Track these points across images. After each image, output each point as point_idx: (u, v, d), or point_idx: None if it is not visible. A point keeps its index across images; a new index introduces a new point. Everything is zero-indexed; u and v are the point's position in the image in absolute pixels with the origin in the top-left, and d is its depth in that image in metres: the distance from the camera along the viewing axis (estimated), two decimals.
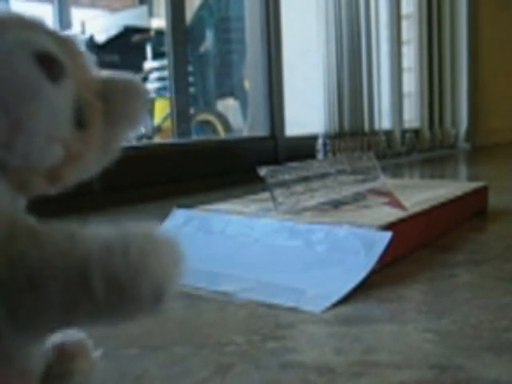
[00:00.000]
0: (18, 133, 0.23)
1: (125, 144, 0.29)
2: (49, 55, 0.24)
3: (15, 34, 0.24)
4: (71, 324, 0.24)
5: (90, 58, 0.28)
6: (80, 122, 0.26)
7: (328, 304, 0.47)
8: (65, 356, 0.29)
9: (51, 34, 0.26)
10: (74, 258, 0.22)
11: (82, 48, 0.28)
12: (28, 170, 0.24)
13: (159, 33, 2.58)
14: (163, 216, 0.74)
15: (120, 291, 0.22)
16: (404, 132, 2.22)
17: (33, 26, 0.26)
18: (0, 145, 0.23)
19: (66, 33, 0.28)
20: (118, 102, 0.28)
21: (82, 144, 0.26)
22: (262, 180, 0.69)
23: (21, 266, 0.22)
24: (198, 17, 2.78)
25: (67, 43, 0.27)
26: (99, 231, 0.23)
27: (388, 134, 2.09)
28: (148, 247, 0.23)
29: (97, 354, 0.30)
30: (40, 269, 0.22)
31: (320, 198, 0.75)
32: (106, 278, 0.22)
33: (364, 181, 0.87)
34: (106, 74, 0.29)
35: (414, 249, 0.65)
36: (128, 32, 2.68)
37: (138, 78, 0.30)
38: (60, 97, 0.24)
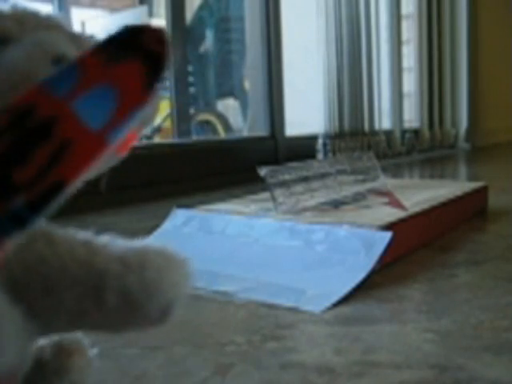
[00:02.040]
0: None
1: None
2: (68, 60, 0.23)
3: (35, 36, 0.23)
4: (77, 330, 0.24)
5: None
6: None
7: (328, 304, 0.47)
8: (62, 352, 0.29)
9: (69, 35, 0.25)
10: (92, 271, 0.22)
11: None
12: None
13: None
14: (163, 216, 0.74)
15: (132, 306, 0.22)
16: (404, 132, 2.21)
17: (51, 26, 0.25)
18: None
19: (85, 34, 0.26)
20: None
21: None
22: (262, 180, 0.69)
23: (38, 271, 0.22)
24: (198, 17, 2.78)
25: (86, 45, 0.25)
26: (116, 244, 0.24)
27: (388, 134, 2.09)
28: (163, 266, 0.23)
29: (93, 351, 0.30)
30: (58, 277, 0.22)
31: (320, 197, 0.75)
32: (120, 292, 0.22)
33: (364, 181, 0.87)
34: None
35: (414, 249, 0.65)
36: None
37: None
38: None
